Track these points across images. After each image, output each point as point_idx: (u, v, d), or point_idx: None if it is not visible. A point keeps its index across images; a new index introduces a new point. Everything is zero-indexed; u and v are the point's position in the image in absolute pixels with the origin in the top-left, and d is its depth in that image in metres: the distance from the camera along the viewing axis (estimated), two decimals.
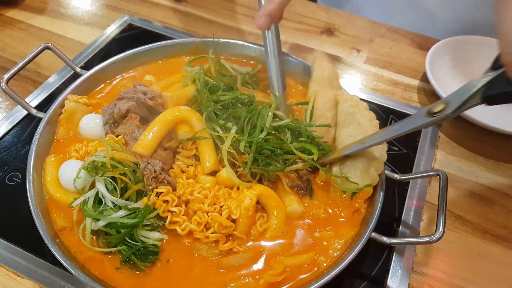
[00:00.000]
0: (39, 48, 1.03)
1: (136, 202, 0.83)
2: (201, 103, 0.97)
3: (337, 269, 0.76)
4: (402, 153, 1.13)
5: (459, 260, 0.94)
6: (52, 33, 1.41)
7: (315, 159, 0.89)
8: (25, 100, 1.02)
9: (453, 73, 1.33)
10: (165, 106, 1.00)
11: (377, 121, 0.92)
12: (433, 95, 1.29)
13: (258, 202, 0.86)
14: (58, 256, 0.76)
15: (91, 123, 0.98)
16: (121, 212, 0.81)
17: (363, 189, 0.87)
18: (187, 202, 0.86)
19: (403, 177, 0.95)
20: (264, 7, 0.99)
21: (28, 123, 1.12)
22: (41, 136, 0.94)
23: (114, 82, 1.14)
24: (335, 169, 0.91)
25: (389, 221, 0.98)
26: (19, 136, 1.10)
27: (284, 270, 0.81)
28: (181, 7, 1.56)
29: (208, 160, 0.90)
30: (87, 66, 1.20)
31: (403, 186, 1.05)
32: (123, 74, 1.16)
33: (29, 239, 0.88)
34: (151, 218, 0.82)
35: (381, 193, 0.88)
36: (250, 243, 0.85)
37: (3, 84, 0.97)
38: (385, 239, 0.83)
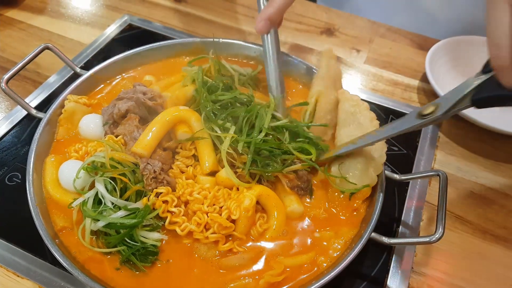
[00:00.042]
0: (39, 48, 1.03)
1: (135, 202, 0.83)
2: (200, 103, 0.97)
3: (337, 269, 0.76)
4: (402, 153, 1.13)
5: (459, 260, 0.94)
6: (52, 33, 1.41)
7: (313, 159, 0.89)
8: (25, 100, 1.02)
9: (453, 73, 1.33)
10: (165, 106, 0.99)
11: (378, 122, 0.92)
12: (433, 95, 1.29)
13: (257, 202, 0.86)
14: (58, 257, 0.76)
15: (91, 123, 0.98)
16: (121, 213, 0.80)
17: (362, 189, 0.87)
18: (186, 203, 0.86)
19: (403, 177, 0.95)
20: (263, 11, 0.97)
21: (28, 123, 1.12)
22: (41, 136, 0.94)
23: (114, 82, 1.14)
24: (334, 169, 0.90)
25: (389, 221, 0.98)
26: (19, 136, 1.10)
27: (284, 270, 0.81)
28: (181, 7, 1.56)
29: (207, 160, 0.89)
30: (87, 66, 1.20)
31: (403, 186, 1.04)
32: (123, 74, 1.16)
33: (29, 240, 0.88)
34: (151, 218, 0.82)
35: (381, 194, 0.87)
36: (250, 243, 0.85)
37: (3, 84, 0.97)
38: (385, 239, 0.83)
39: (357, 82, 1.34)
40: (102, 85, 1.12)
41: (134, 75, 1.17)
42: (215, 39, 1.18)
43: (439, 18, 1.55)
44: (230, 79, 1.07)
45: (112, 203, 0.81)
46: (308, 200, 0.92)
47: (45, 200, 0.88)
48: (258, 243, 0.85)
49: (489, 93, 0.65)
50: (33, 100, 1.18)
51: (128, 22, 1.46)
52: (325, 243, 0.85)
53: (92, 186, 0.84)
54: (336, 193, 0.90)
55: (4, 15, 1.45)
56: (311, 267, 0.82)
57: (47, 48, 1.05)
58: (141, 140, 0.88)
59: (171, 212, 0.84)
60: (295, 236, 0.87)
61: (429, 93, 1.31)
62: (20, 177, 1.00)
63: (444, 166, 1.11)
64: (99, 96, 1.10)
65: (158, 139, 0.90)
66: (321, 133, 0.99)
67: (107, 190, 0.82)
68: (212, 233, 0.82)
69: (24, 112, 1.13)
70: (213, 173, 0.90)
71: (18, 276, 0.85)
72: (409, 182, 1.05)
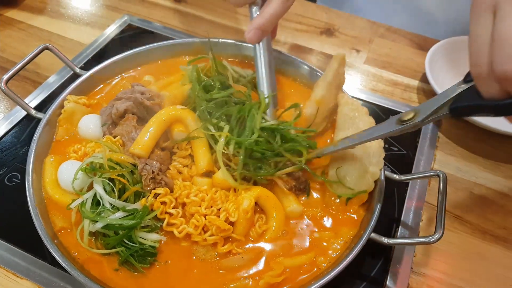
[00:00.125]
0: (38, 49, 1.03)
1: (134, 203, 0.83)
2: (194, 101, 0.96)
3: (337, 269, 0.76)
4: (402, 154, 1.13)
5: (458, 261, 0.94)
6: (52, 33, 1.41)
7: (304, 160, 0.88)
8: (25, 100, 1.02)
9: (452, 73, 1.32)
10: (163, 105, 0.99)
11: None
12: (432, 96, 1.29)
13: (256, 203, 0.86)
14: (57, 257, 0.76)
15: (90, 124, 0.98)
16: (119, 214, 0.80)
17: (358, 195, 0.87)
18: (184, 205, 0.85)
19: (402, 178, 0.94)
20: (254, 20, 0.95)
21: (28, 124, 1.12)
22: (41, 136, 0.94)
23: (114, 83, 1.14)
24: (331, 173, 0.90)
25: (389, 222, 0.98)
26: (19, 136, 1.09)
27: (284, 271, 0.81)
28: (181, 7, 1.56)
29: (201, 160, 0.89)
30: (86, 67, 1.19)
31: (403, 186, 1.04)
32: (123, 74, 1.16)
33: (28, 240, 0.88)
34: (149, 219, 0.82)
35: (381, 194, 0.87)
36: (250, 244, 0.85)
37: (2, 84, 0.96)
38: (385, 240, 0.83)
39: (357, 82, 1.34)
40: (101, 85, 1.12)
41: (133, 75, 1.16)
42: (215, 39, 1.18)
43: (439, 18, 1.55)
44: (227, 78, 1.06)
45: (111, 204, 0.81)
46: (303, 198, 0.91)
47: (45, 200, 0.88)
48: (258, 244, 0.85)
49: (467, 102, 0.65)
50: (33, 100, 1.18)
51: (128, 22, 1.46)
52: (324, 244, 0.85)
53: (90, 187, 0.84)
54: (333, 198, 0.90)
55: (4, 15, 1.45)
56: (311, 267, 0.82)
57: (47, 48, 1.05)
58: (138, 140, 0.88)
59: (170, 214, 0.83)
60: (295, 236, 0.87)
61: (428, 93, 1.30)
62: (19, 178, 1.00)
63: (444, 166, 1.11)
64: (98, 96, 1.10)
65: (156, 139, 0.89)
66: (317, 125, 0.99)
67: (106, 191, 0.82)
68: (210, 236, 0.81)
69: (24, 113, 1.13)
70: (209, 174, 0.89)
71: (17, 276, 0.85)
72: (408, 182, 1.05)
